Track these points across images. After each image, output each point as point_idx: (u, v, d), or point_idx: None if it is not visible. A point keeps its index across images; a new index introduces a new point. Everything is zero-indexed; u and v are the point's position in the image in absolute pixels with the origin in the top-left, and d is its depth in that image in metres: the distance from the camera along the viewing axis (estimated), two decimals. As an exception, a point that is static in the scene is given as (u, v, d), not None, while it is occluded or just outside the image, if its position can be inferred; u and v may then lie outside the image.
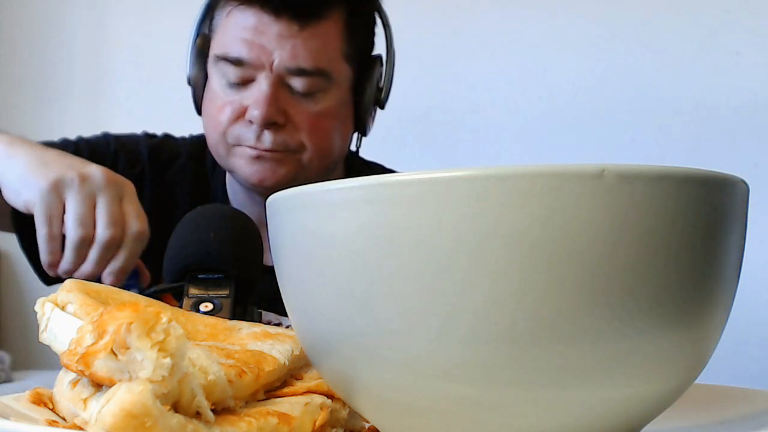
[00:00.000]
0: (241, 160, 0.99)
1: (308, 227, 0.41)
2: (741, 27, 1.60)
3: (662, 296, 0.38)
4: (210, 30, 1.02)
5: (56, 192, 0.80)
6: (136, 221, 0.83)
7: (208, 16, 1.03)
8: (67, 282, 0.51)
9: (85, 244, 0.81)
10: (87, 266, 0.82)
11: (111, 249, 0.82)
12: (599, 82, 1.67)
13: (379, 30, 1.07)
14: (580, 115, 1.68)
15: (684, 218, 0.38)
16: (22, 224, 1.02)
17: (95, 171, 0.82)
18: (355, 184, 0.39)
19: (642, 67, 1.65)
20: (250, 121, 0.96)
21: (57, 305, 0.48)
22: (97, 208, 0.81)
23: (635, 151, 1.63)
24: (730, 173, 0.40)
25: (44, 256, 0.83)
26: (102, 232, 0.81)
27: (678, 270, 0.38)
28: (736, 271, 0.42)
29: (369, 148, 1.15)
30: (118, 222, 0.81)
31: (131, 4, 1.98)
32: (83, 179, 0.81)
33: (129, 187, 0.84)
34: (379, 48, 1.07)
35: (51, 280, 1.08)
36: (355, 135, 1.07)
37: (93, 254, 0.82)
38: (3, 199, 1.00)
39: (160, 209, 1.01)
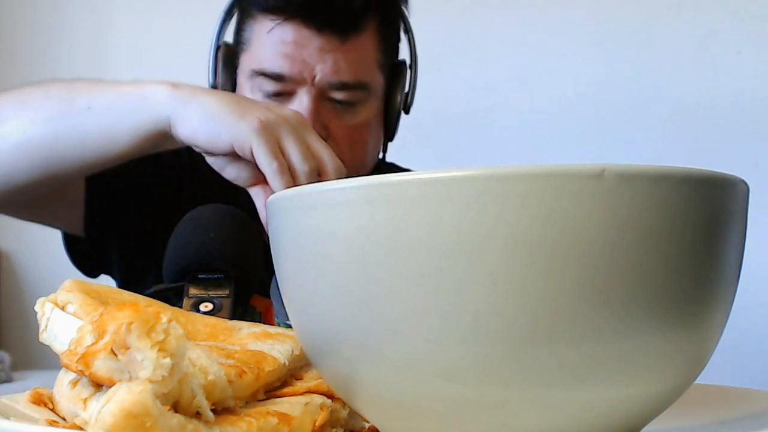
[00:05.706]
0: None
1: (308, 227, 0.41)
2: (741, 27, 1.60)
3: (662, 296, 0.38)
4: (239, 42, 1.00)
5: (268, 130, 0.77)
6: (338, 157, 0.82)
7: (227, 24, 1.02)
8: (67, 282, 0.51)
9: (314, 175, 0.78)
10: None
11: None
12: (599, 82, 1.67)
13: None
14: (580, 115, 1.68)
15: (684, 218, 0.38)
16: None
17: (291, 112, 0.80)
18: (355, 184, 0.39)
19: (642, 67, 1.65)
20: None
21: (57, 305, 0.48)
22: (313, 145, 0.78)
23: (635, 151, 1.63)
24: (730, 173, 0.40)
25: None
26: (332, 163, 0.78)
27: (678, 270, 0.38)
28: (736, 271, 0.42)
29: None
30: (335, 153, 0.80)
31: (131, 4, 1.98)
32: (286, 119, 0.78)
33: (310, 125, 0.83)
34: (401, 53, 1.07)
35: (91, 272, 1.07)
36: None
37: None
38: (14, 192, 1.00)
39: (162, 209, 1.01)
